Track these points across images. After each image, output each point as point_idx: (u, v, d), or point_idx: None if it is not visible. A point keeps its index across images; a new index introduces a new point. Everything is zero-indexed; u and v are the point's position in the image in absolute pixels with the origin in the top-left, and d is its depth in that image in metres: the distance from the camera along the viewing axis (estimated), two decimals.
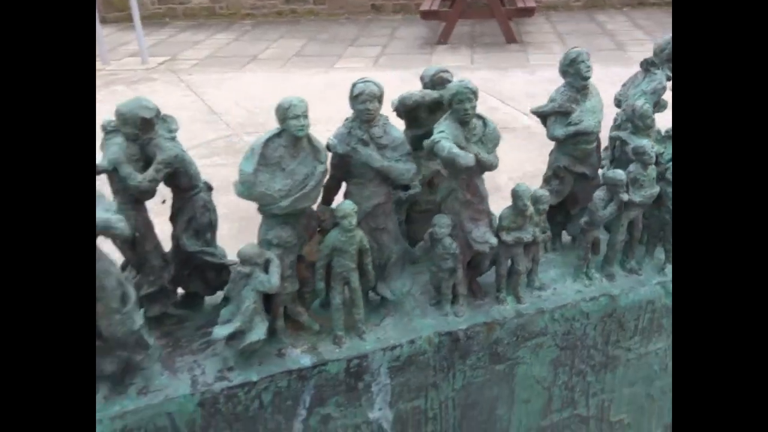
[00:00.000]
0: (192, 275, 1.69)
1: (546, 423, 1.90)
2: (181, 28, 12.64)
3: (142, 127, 1.48)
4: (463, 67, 9.43)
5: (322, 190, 1.52)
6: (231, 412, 1.52)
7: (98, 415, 1.42)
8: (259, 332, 1.50)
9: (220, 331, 1.49)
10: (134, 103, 1.48)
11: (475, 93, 1.49)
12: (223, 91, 8.32)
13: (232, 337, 1.50)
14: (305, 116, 1.40)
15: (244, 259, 1.47)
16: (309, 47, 11.35)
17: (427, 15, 11.19)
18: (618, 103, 1.94)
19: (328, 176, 1.53)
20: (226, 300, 1.57)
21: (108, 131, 1.51)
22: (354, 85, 1.50)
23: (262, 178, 1.42)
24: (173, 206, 1.64)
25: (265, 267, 1.49)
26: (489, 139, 1.55)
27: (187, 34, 12.43)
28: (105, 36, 10.30)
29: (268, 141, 1.43)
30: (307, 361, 1.57)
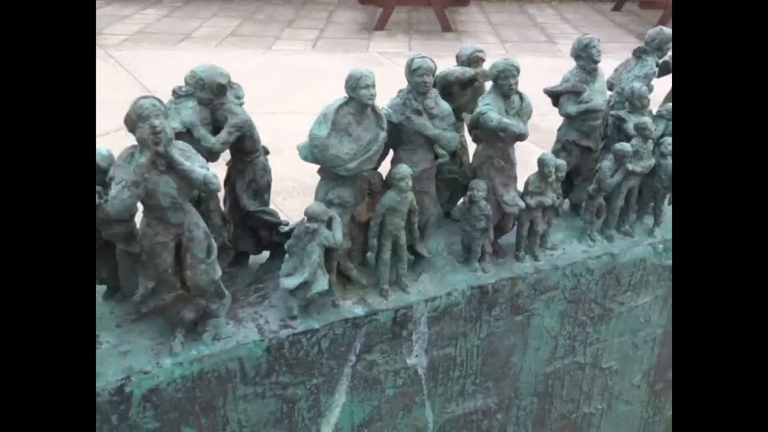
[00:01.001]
0: (244, 234, 1.82)
1: (550, 369, 2.17)
2: (106, 0, 12.20)
3: (217, 92, 1.61)
4: (401, 54, 9.64)
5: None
6: (293, 356, 1.68)
7: (179, 359, 1.56)
8: (322, 284, 1.67)
9: (289, 282, 1.65)
10: (211, 69, 1.61)
11: (518, 70, 1.71)
12: (157, 70, 8.15)
13: (297, 288, 1.66)
14: (374, 86, 1.58)
15: (312, 216, 1.63)
16: (245, 27, 11.23)
17: (365, 0, 11.32)
18: (610, 86, 2.21)
19: None
20: (285, 255, 1.73)
21: (180, 96, 1.62)
22: (412, 60, 1.68)
23: (333, 141, 1.59)
24: (232, 169, 1.77)
25: (328, 224, 1.65)
26: (525, 112, 1.78)
27: (113, 8, 12.00)
28: None
29: (338, 108, 1.59)
30: (360, 310, 1.75)
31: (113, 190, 1.37)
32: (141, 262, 1.51)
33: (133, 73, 8.30)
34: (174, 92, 1.63)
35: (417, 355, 1.87)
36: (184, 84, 1.65)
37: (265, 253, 1.92)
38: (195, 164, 1.41)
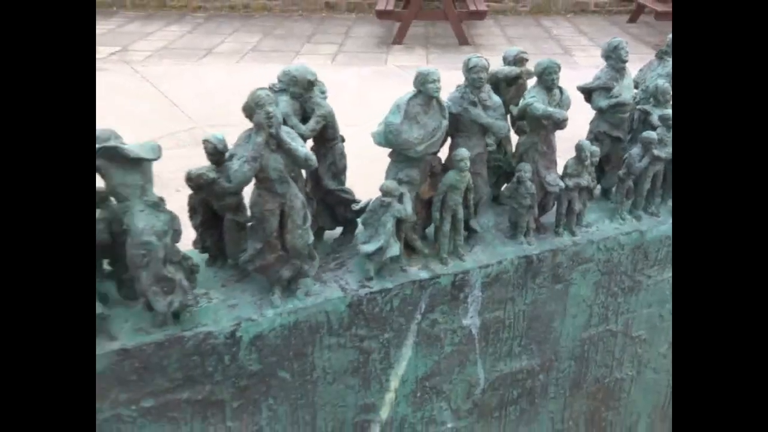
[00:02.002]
0: (323, 212, 2.16)
1: (585, 335, 2.48)
2: (129, 18, 12.71)
3: (306, 88, 1.96)
4: (419, 67, 10.04)
5: None
6: (370, 312, 2.01)
7: (278, 310, 1.89)
8: (395, 249, 2.00)
9: (367, 248, 1.98)
10: (302, 68, 1.96)
11: (560, 67, 2.05)
12: (181, 84, 8.57)
13: (373, 253, 1.99)
14: (439, 81, 1.92)
15: (386, 192, 1.97)
16: (265, 42, 11.68)
17: (382, 14, 11.74)
18: (636, 84, 2.55)
19: None
20: (356, 229, 2.07)
21: (275, 91, 1.97)
22: (469, 59, 2.03)
23: (405, 128, 1.93)
24: (315, 153, 2.11)
25: (399, 199, 1.99)
26: (564, 103, 2.12)
27: (137, 25, 12.51)
28: None
29: (409, 100, 1.94)
30: (425, 274, 2.08)
31: (235, 164, 1.71)
32: (251, 227, 1.85)
33: (158, 87, 8.71)
34: (270, 88, 1.98)
35: (471, 317, 2.20)
36: (277, 82, 2.00)
37: (338, 229, 2.26)
38: (298, 144, 1.76)
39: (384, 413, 2.20)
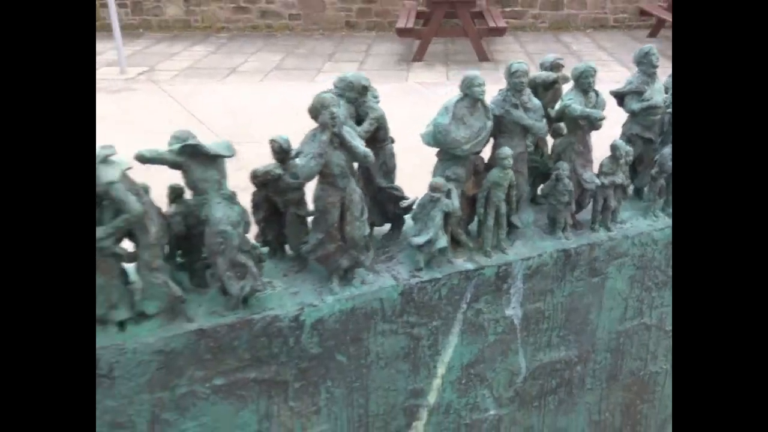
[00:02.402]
0: (374, 208, 2.34)
1: (621, 328, 2.62)
2: (156, 39, 13.11)
3: (361, 92, 2.15)
4: (440, 83, 10.27)
5: None
6: (420, 300, 2.18)
7: (337, 296, 2.06)
8: (443, 242, 2.18)
9: (417, 240, 2.16)
10: (357, 75, 2.15)
11: (595, 71, 2.23)
12: (206, 102, 8.85)
13: (423, 245, 2.16)
14: (484, 84, 2.10)
15: (435, 188, 2.14)
16: (288, 61, 11.98)
17: (402, 32, 12.00)
18: (666, 89, 2.71)
19: None
20: (401, 225, 2.25)
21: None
22: (511, 65, 2.21)
23: (452, 128, 2.11)
24: None
25: (447, 195, 2.17)
26: (600, 106, 2.29)
27: (163, 46, 12.89)
28: None
29: (457, 102, 2.12)
30: (471, 265, 2.24)
31: (302, 161, 1.90)
32: (314, 219, 2.03)
33: (185, 105, 8.99)
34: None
35: (514, 307, 2.35)
36: (333, 88, 2.20)
37: (386, 226, 2.43)
38: (358, 142, 1.94)
39: (431, 398, 2.36)
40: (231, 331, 1.96)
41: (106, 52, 11.94)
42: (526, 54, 12.47)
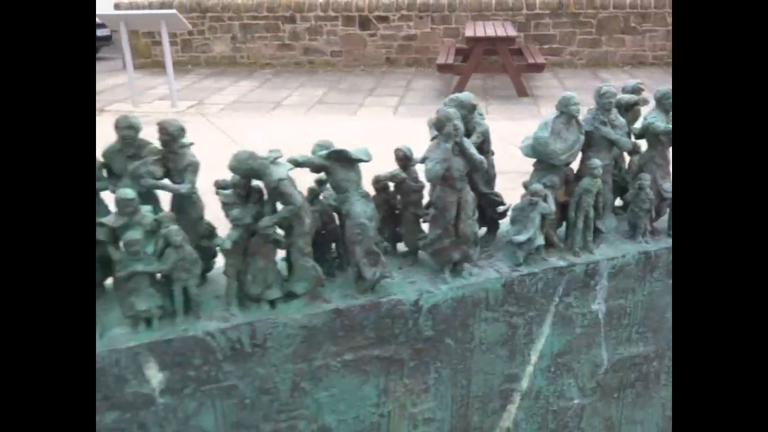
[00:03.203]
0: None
1: None
2: (204, 75, 13.78)
3: (470, 110, 2.53)
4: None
5: None
6: (519, 292, 2.52)
7: (450, 285, 2.41)
8: (540, 240, 2.52)
9: (519, 238, 2.50)
10: (466, 94, 2.53)
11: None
12: (253, 134, 9.33)
13: (523, 243, 2.51)
14: (579, 104, 2.47)
15: (534, 193, 2.50)
16: (330, 95, 12.52)
17: (443, 68, 12.49)
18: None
19: None
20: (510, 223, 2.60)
21: None
22: (600, 88, 2.58)
23: (551, 141, 2.47)
24: None
25: (544, 199, 2.52)
26: None
27: (210, 81, 13.54)
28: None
29: (554, 119, 2.49)
30: (563, 263, 2.58)
31: (429, 165, 2.27)
32: (433, 217, 2.39)
33: (232, 137, 9.49)
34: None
35: (599, 303, 2.68)
36: (445, 105, 2.58)
37: (482, 229, 2.79)
38: (474, 151, 2.32)
39: (524, 384, 2.68)
40: (362, 312, 2.32)
41: (157, 87, 12.64)
42: (563, 88, 12.86)
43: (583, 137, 2.53)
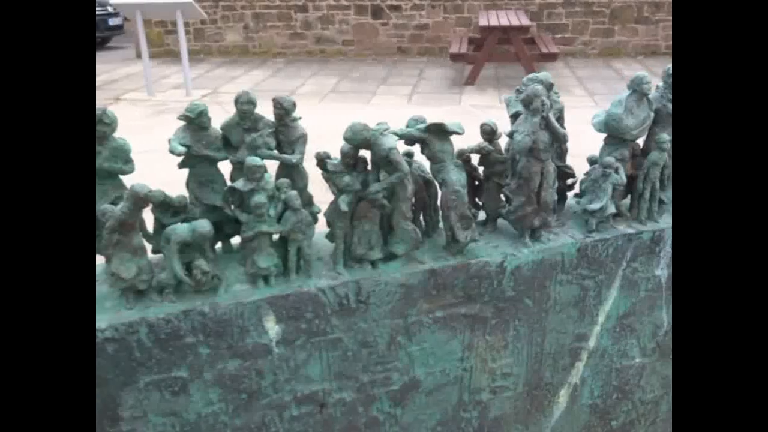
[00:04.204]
0: None
1: None
2: (216, 64, 13.99)
3: (549, 88, 2.79)
4: (492, 107, 10.91)
5: None
6: (591, 256, 2.78)
7: (531, 249, 2.67)
8: (611, 209, 2.78)
9: (592, 206, 2.76)
10: (545, 74, 2.78)
11: None
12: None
13: (596, 211, 2.77)
14: (650, 83, 2.73)
15: (606, 165, 2.76)
16: (343, 84, 12.76)
17: (456, 57, 12.74)
18: None
19: None
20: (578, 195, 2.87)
21: (520, 92, 2.80)
22: (669, 68, 2.84)
23: (624, 117, 2.73)
24: None
25: (615, 171, 2.78)
26: None
27: (223, 70, 13.75)
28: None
29: (627, 97, 2.75)
30: (631, 230, 2.84)
31: (518, 137, 2.52)
32: (517, 186, 2.65)
33: None
34: (517, 90, 2.82)
35: (662, 268, 2.94)
36: (522, 86, 2.84)
37: None
38: (559, 125, 2.58)
39: (591, 343, 2.94)
40: (453, 272, 2.58)
41: (171, 75, 12.85)
42: (576, 78, 13.11)
43: (653, 114, 2.79)
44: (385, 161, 2.34)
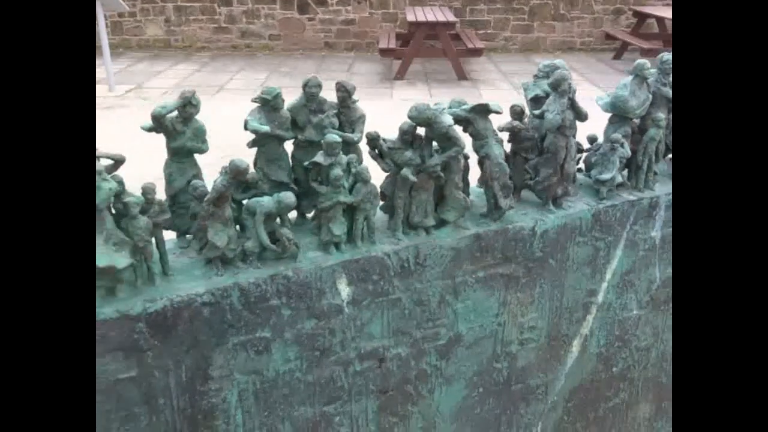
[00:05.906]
0: None
1: None
2: (137, 58, 13.80)
3: (547, 76, 3.22)
4: (424, 100, 11.48)
5: None
6: (603, 220, 3.22)
7: (556, 215, 3.09)
8: (619, 178, 3.24)
9: (604, 176, 3.22)
10: (560, 61, 3.22)
11: None
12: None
13: (606, 181, 3.23)
14: (650, 68, 3.21)
15: (614, 141, 3.22)
16: (273, 79, 12.95)
17: (385, 52, 13.19)
18: None
19: None
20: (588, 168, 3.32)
21: (538, 77, 3.21)
22: (663, 56, 3.30)
23: (629, 98, 3.21)
24: None
25: (621, 145, 3.26)
26: None
27: (145, 65, 13.59)
28: None
29: (631, 80, 3.22)
30: (633, 197, 3.32)
31: (549, 116, 2.93)
32: (545, 159, 3.05)
33: None
34: (535, 76, 3.24)
35: (656, 230, 3.44)
36: (537, 71, 3.25)
37: None
38: (581, 106, 3.01)
39: (599, 297, 3.40)
40: (494, 236, 2.95)
41: None
42: (500, 72, 13.85)
43: (650, 96, 3.28)
44: (444, 137, 2.69)
